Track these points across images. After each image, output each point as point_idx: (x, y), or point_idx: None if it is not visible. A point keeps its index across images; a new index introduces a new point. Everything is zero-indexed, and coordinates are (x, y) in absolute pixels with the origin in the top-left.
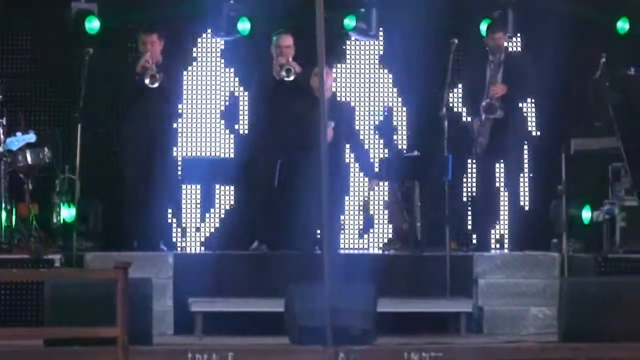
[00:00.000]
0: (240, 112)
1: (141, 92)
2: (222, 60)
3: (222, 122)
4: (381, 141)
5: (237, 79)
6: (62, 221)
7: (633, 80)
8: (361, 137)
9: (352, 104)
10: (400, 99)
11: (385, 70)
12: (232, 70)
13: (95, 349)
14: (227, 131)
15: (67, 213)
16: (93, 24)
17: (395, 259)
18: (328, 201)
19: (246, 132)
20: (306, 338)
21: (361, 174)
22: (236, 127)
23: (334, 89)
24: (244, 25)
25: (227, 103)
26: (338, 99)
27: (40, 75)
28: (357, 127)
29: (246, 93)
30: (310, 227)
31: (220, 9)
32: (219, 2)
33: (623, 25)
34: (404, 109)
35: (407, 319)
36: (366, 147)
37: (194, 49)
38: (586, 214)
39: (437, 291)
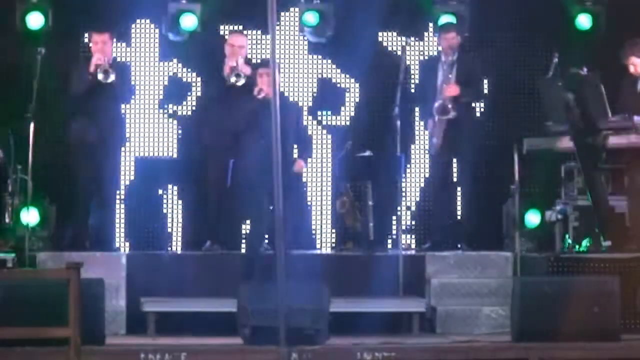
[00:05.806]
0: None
1: (93, 92)
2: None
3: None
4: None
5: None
6: (27, 226)
7: (585, 80)
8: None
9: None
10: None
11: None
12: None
13: (47, 349)
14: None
15: (30, 217)
16: (37, 20)
17: (348, 259)
18: (281, 201)
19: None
20: (259, 338)
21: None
22: (177, 109)
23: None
24: (189, 21)
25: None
26: (285, 97)
27: None
28: (304, 127)
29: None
30: (259, 226)
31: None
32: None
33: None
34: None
35: (360, 319)
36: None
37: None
38: (534, 218)
39: (390, 291)
